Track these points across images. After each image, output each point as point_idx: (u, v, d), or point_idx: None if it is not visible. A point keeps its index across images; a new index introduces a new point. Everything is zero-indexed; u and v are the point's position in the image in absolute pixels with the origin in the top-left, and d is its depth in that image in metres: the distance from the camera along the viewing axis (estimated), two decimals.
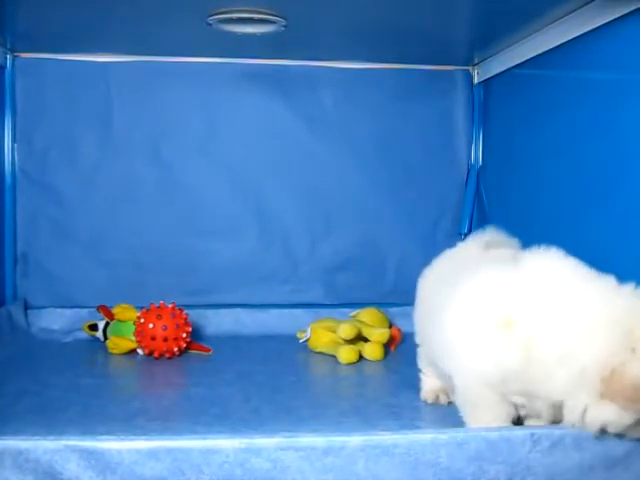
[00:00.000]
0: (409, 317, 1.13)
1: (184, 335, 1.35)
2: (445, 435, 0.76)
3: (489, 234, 1.04)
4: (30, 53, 1.53)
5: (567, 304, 0.77)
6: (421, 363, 1.09)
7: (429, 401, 1.05)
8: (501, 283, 0.83)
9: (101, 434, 0.75)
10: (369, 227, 1.65)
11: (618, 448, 0.77)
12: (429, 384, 1.07)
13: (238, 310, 1.57)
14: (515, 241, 1.03)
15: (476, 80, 1.65)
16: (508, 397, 0.83)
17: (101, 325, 1.45)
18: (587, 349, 0.75)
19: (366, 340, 1.37)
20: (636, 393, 0.73)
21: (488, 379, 0.82)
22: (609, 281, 0.80)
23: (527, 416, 0.86)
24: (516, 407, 0.84)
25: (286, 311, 1.57)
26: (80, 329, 1.48)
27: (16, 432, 0.76)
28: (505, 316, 0.80)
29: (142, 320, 1.34)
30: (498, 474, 0.76)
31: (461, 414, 0.89)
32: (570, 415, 0.77)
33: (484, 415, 0.84)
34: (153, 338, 1.32)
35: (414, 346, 1.10)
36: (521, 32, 1.31)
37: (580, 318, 0.76)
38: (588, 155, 1.12)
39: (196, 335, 1.45)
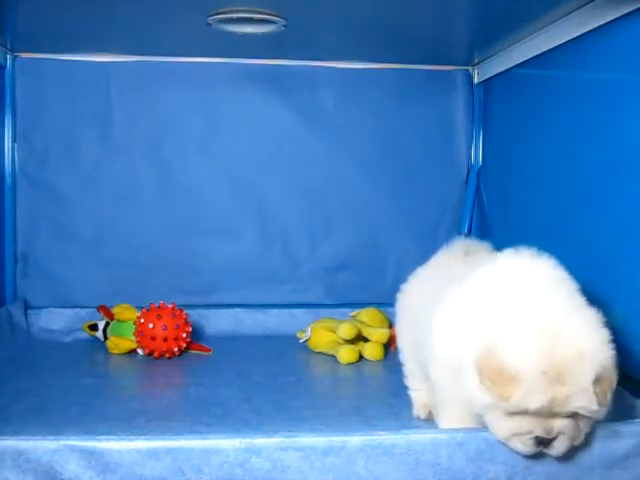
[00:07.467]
0: None
1: (184, 335, 1.35)
2: (445, 435, 0.77)
3: (462, 243, 1.10)
4: (30, 53, 1.53)
5: (501, 298, 0.79)
6: (408, 381, 1.08)
7: (422, 417, 1.02)
8: (472, 282, 0.85)
9: (101, 434, 0.75)
10: (369, 227, 1.65)
11: (618, 448, 0.78)
12: (421, 400, 1.05)
13: (238, 310, 1.57)
14: (488, 245, 1.07)
15: (476, 80, 1.64)
16: None
17: (101, 325, 1.45)
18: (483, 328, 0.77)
19: (366, 340, 1.37)
20: (497, 375, 0.73)
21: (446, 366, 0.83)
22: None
23: None
24: None
25: (286, 311, 1.57)
26: (80, 329, 1.48)
27: (16, 432, 0.76)
28: (463, 309, 0.83)
29: (142, 320, 1.34)
30: (498, 474, 0.76)
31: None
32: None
33: (451, 411, 0.85)
34: (153, 338, 1.32)
35: None
36: (521, 32, 1.31)
37: (500, 308, 0.78)
38: (588, 155, 1.12)
39: (196, 335, 1.45)
